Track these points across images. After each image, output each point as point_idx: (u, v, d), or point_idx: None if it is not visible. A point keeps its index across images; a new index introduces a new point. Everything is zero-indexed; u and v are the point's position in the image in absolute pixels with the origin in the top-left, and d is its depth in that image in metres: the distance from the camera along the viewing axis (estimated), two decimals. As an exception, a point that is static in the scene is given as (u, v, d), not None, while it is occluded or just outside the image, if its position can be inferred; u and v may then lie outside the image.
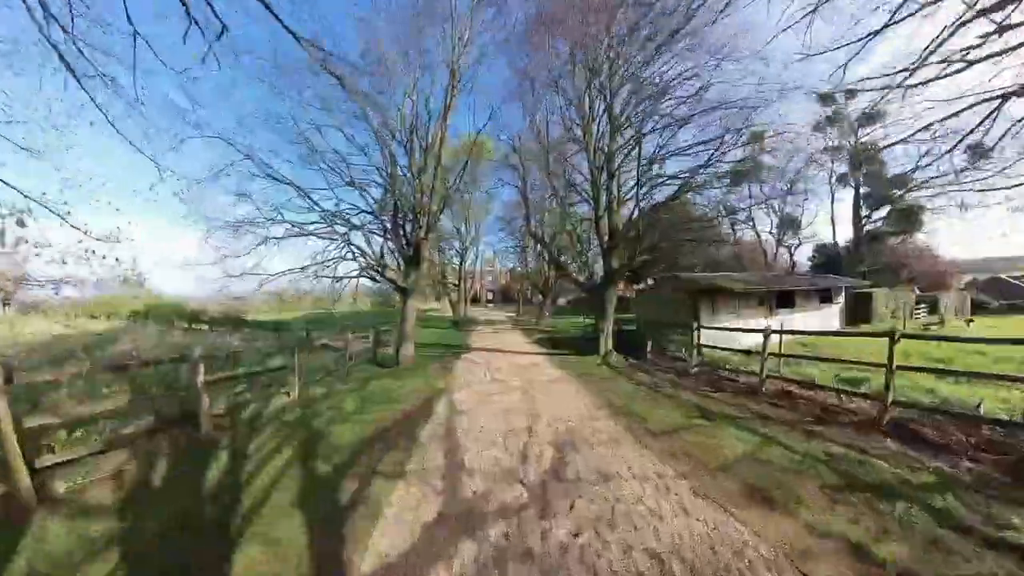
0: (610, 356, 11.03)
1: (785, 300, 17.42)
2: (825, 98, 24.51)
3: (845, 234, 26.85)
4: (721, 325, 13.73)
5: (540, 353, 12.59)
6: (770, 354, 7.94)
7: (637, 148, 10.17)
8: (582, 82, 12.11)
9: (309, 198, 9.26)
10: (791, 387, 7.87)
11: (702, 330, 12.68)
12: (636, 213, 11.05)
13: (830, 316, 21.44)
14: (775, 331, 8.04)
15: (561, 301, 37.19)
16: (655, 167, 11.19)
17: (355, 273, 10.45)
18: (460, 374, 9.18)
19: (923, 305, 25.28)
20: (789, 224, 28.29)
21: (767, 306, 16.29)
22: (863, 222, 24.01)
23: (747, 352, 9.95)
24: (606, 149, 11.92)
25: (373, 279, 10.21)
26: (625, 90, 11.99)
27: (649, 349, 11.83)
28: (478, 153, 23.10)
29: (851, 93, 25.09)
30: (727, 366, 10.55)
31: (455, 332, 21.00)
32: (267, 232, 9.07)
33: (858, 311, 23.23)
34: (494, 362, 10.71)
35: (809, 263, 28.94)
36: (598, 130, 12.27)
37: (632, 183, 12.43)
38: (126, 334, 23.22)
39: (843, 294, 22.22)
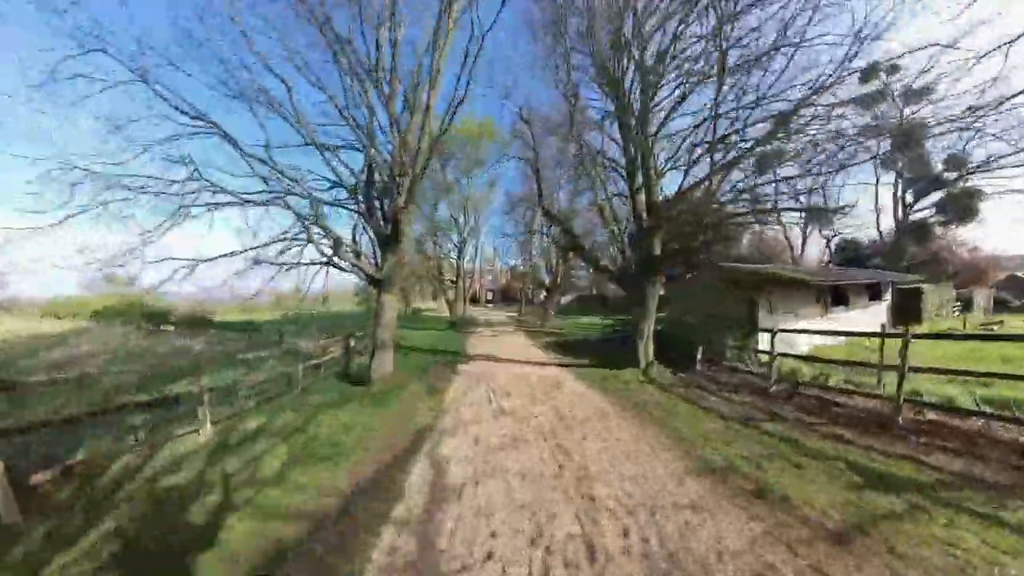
0: (652, 368, 8.44)
1: (839, 296, 15.03)
2: (867, 75, 21.94)
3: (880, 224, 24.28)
4: (781, 326, 11.25)
5: (556, 363, 9.97)
6: (910, 369, 5.53)
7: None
8: (606, 29, 9.54)
9: (241, 151, 6.58)
10: (930, 413, 5.64)
11: (763, 333, 10.25)
12: (686, 184, 8.45)
13: (879, 315, 19.02)
14: (923, 335, 5.51)
15: (564, 299, 34.59)
16: (705, 129, 8.58)
17: (320, 260, 7.81)
18: (453, 400, 6.54)
19: (959, 303, 23.39)
20: (818, 215, 25.71)
21: (822, 303, 13.85)
22: (908, 210, 21.47)
23: (805, 358, 7.81)
24: (638, 110, 9.31)
25: (339, 267, 7.56)
26: (662, 35, 9.39)
27: (700, 357, 9.24)
28: (476, 135, 20.49)
29: (894, 68, 22.56)
30: (800, 378, 8.22)
31: (451, 335, 18.37)
32: (181, 199, 6.40)
33: (907, 309, 20.80)
34: (499, 377, 8.09)
35: (831, 259, 26.39)
36: (630, 86, 9.67)
37: (673, 151, 9.86)
38: (78, 337, 20.42)
39: (890, 290, 19.87)
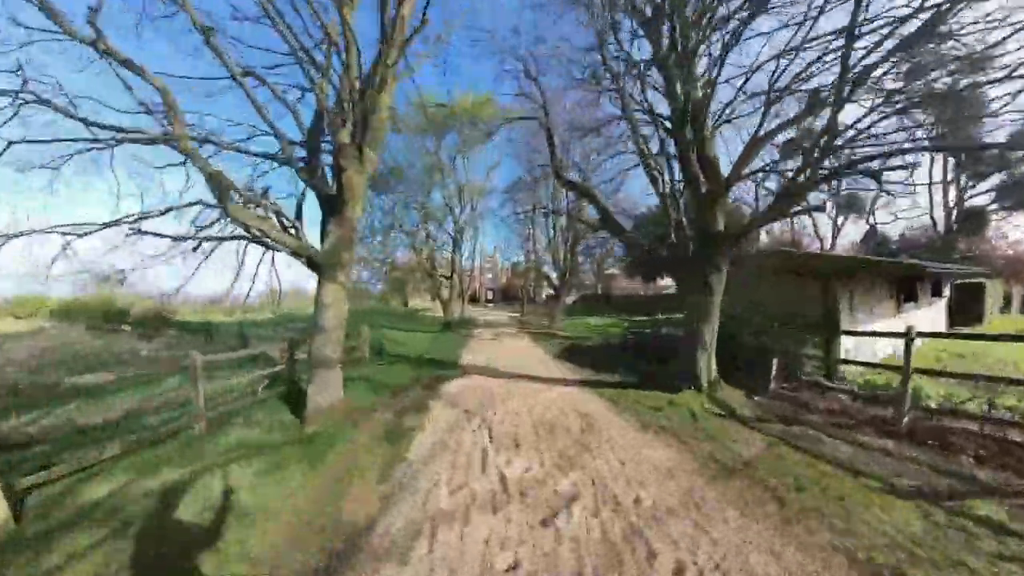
0: (718, 389, 5.94)
1: (909, 292, 12.65)
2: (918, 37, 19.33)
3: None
4: (861, 327, 8.89)
5: (576, 380, 7.45)
6: None
7: None
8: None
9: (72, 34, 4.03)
10: None
11: (846, 336, 7.92)
12: (764, 129, 5.92)
13: (939, 312, 16.67)
14: None
15: (568, 298, 32.01)
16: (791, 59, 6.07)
17: (240, 235, 5.33)
18: (425, 454, 3.99)
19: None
20: (850, 204, 23.17)
21: (896, 299, 11.47)
22: (962, 195, 18.99)
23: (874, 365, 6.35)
24: (685, 44, 6.78)
25: (264, 244, 5.06)
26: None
27: (775, 372, 6.76)
28: (473, 107, 17.96)
29: (944, 36, 20.08)
30: (927, 401, 5.97)
31: (446, 338, 15.85)
32: None
33: (965, 306, 18.34)
34: (500, 405, 5.57)
35: (867, 253, 23.83)
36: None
37: (731, 94, 7.32)
38: (33, 336, 17.98)
39: (949, 286, 17.45)
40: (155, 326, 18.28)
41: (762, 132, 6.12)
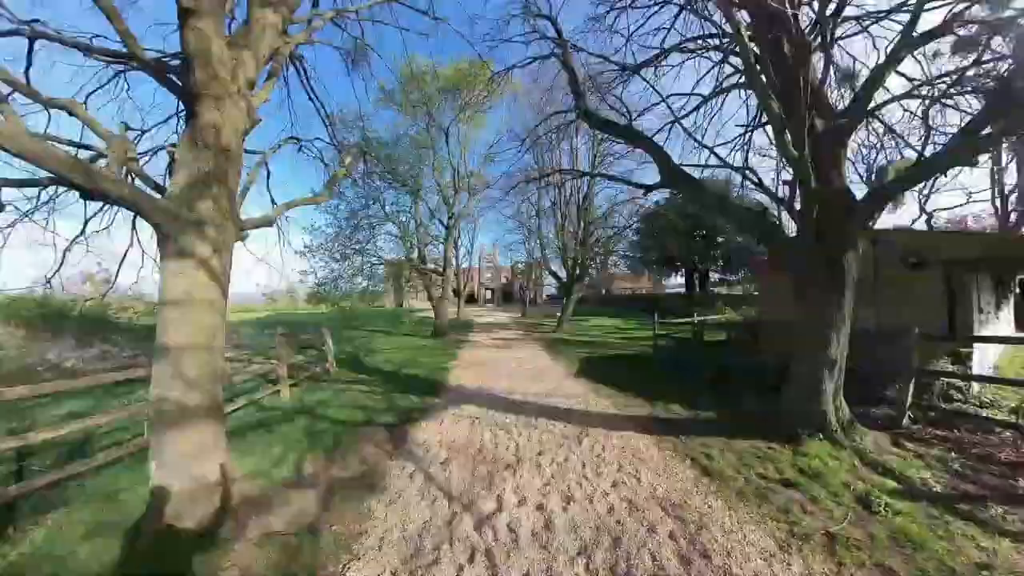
0: (854, 434, 3.65)
1: (1005, 289, 10.57)
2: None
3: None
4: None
5: (626, 419, 5.09)
6: None
7: None
8: None
9: None
10: None
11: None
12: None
13: (1011, 311, 14.48)
14: None
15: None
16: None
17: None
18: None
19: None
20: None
21: (996, 296, 9.37)
22: (1024, 180, 16.85)
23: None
24: None
25: (84, 192, 2.73)
26: None
27: (908, 401, 4.47)
28: (467, 75, 15.54)
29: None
30: None
31: (434, 346, 13.51)
32: None
33: (1035, 306, 15.99)
34: (513, 491, 3.16)
35: None
36: None
37: None
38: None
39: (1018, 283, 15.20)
40: (96, 329, 15.79)
41: (917, 32, 3.83)
